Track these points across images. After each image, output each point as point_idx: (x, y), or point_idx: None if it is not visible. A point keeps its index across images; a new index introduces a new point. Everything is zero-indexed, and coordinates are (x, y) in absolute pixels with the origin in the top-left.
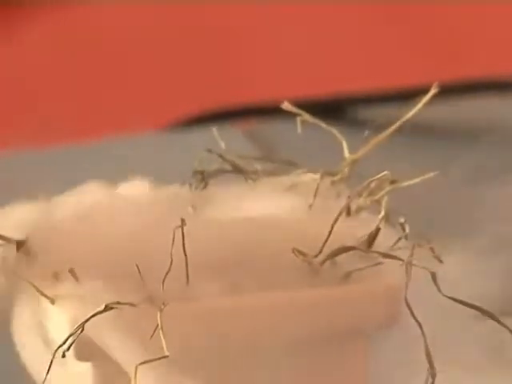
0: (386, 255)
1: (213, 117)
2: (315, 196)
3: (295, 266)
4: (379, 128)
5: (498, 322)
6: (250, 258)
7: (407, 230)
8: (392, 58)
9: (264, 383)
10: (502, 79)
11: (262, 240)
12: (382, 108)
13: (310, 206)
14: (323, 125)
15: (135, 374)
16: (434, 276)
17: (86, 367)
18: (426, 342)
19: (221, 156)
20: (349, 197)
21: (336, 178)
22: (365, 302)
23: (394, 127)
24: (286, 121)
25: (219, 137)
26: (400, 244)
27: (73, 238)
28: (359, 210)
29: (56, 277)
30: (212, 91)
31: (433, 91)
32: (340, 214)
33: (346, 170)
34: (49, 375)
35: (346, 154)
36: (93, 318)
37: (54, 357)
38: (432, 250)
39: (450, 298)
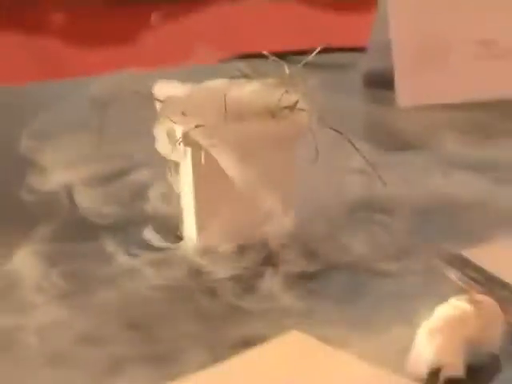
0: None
1: None
2: None
3: None
4: None
5: (353, 146)
6: None
7: None
8: None
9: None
10: None
11: None
12: None
13: None
14: None
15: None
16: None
17: (188, 152)
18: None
19: None
20: None
21: None
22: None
23: None
24: None
25: None
26: None
27: (192, 99)
28: None
29: (183, 116)
30: None
31: None
32: None
33: None
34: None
35: None
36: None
37: (175, 145)
38: None
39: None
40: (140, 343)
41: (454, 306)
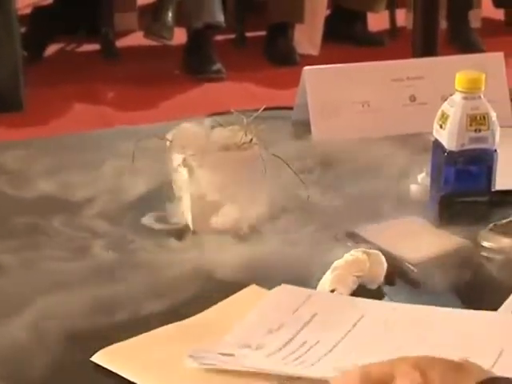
0: None
1: None
2: None
3: None
4: None
5: (288, 165)
6: None
7: None
8: None
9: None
10: None
11: None
12: None
13: None
14: None
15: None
16: None
17: (185, 170)
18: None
19: None
20: None
21: None
22: (249, 158)
23: None
24: None
25: None
26: None
27: (187, 138)
28: None
29: (183, 149)
30: None
31: None
32: None
33: None
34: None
35: None
36: (185, 156)
37: (178, 166)
38: None
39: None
40: None
41: (351, 254)
